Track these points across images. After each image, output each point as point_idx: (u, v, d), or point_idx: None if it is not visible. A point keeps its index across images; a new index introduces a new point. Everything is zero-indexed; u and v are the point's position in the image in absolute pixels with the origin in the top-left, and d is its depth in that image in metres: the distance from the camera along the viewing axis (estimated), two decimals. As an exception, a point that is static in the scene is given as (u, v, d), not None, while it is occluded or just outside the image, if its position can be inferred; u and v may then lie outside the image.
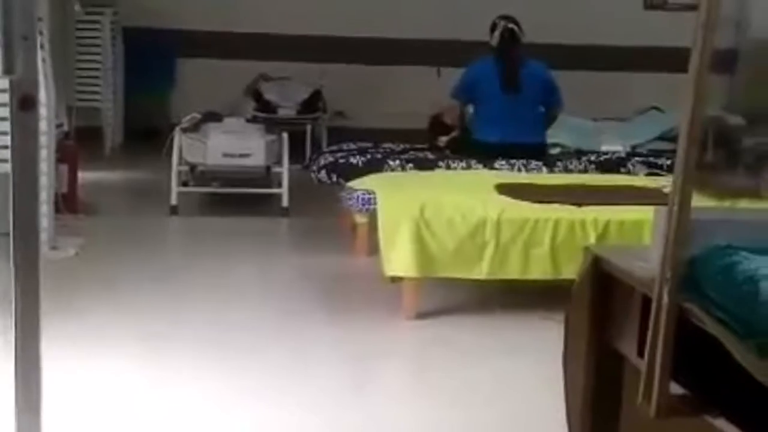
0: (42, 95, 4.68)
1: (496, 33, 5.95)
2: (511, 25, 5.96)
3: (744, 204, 3.51)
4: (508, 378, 3.71)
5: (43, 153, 4.89)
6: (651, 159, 6.17)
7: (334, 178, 5.69)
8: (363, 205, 5.06)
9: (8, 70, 2.17)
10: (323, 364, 3.75)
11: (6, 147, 2.28)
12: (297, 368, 3.69)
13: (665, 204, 1.83)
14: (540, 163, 5.86)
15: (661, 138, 6.71)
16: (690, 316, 1.77)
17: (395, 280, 4.35)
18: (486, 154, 5.79)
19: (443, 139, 6.29)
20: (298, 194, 6.43)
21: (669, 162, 5.88)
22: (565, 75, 6.77)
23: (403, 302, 4.35)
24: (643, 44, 9.30)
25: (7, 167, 2.28)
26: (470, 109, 6.14)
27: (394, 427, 3.27)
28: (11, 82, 2.20)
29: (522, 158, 5.81)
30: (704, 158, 2.02)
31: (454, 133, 6.25)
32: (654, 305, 1.79)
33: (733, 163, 5.33)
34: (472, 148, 5.91)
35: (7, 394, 2.40)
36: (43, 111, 4.80)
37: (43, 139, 4.81)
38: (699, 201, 1.84)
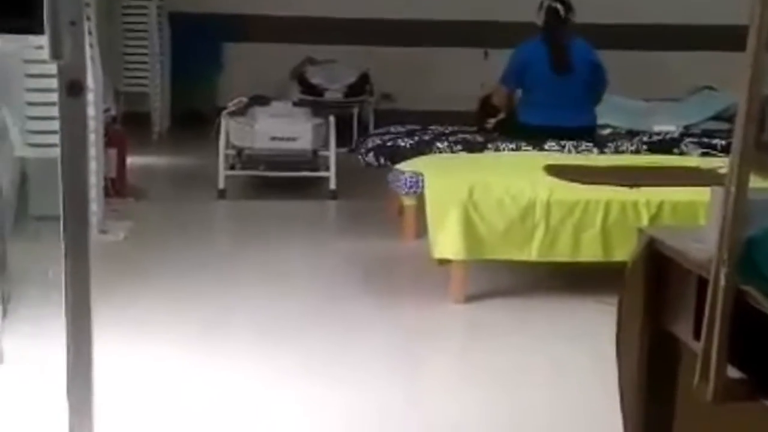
0: (89, 80, 4.71)
1: (542, 12, 5.85)
2: (555, 4, 5.84)
3: (801, 184, 3.43)
4: (559, 362, 3.68)
5: (92, 138, 4.93)
6: (704, 139, 6.07)
7: (382, 161, 5.67)
8: (410, 187, 5.03)
9: (56, 55, 2.17)
10: (372, 347, 3.75)
11: (55, 132, 2.29)
12: (346, 352, 3.69)
13: (720, 185, 1.79)
14: (591, 144, 5.79)
15: (715, 118, 6.60)
16: (748, 299, 1.73)
17: (443, 262, 4.33)
18: (534, 137, 5.72)
19: (491, 121, 6.23)
20: (345, 177, 6.42)
21: (723, 142, 5.78)
22: (617, 55, 6.70)
23: (452, 285, 4.33)
24: (696, 23, 9.16)
25: (57, 152, 2.29)
26: (519, 92, 6.06)
27: (442, 410, 3.25)
28: (59, 67, 2.21)
29: (573, 140, 5.74)
30: (761, 138, 1.97)
31: (501, 115, 6.18)
32: (711, 287, 1.75)
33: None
34: (520, 131, 5.84)
35: (59, 378, 2.42)
36: (90, 96, 4.84)
37: (91, 124, 4.85)
38: (757, 182, 1.80)
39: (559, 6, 5.82)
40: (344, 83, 8.63)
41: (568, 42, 5.84)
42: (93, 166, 4.97)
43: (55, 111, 2.29)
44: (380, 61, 8.87)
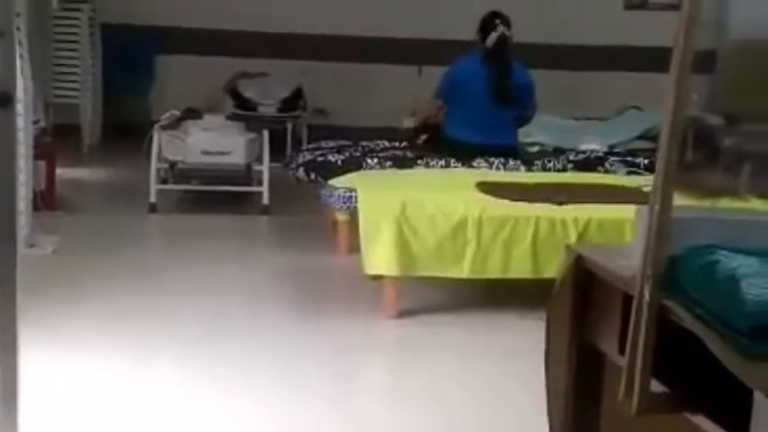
0: (19, 91, 4.64)
1: (494, 35, 5.80)
2: (506, 31, 5.82)
3: (724, 203, 3.52)
4: (490, 377, 3.71)
5: (20, 149, 4.86)
6: (629, 158, 6.18)
7: (313, 176, 5.67)
8: (344, 203, 5.05)
9: (-16, 66, 2.14)
10: (304, 362, 3.74)
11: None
12: (278, 367, 3.67)
13: (645, 203, 1.83)
14: (518, 162, 5.86)
15: (641, 137, 6.72)
16: (671, 315, 1.77)
17: (376, 278, 4.35)
18: (464, 154, 5.77)
19: (422, 137, 6.24)
20: (278, 192, 6.41)
21: (647, 161, 5.89)
22: (545, 74, 6.80)
23: (384, 301, 4.35)
24: (623, 44, 9.35)
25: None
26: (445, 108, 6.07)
27: (373, 425, 3.26)
28: (-13, 78, 2.17)
29: (496, 157, 5.79)
30: (684, 158, 2.02)
31: (423, 136, 6.18)
32: (635, 303, 1.79)
33: (713, 163, 5.35)
34: (450, 147, 5.87)
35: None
36: (19, 107, 4.76)
37: (19, 136, 4.77)
38: (679, 200, 1.84)
39: (507, 32, 5.84)
40: (278, 98, 8.61)
41: (510, 70, 5.85)
42: (21, 178, 4.89)
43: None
44: (314, 76, 8.88)
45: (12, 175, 2.29)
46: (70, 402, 3.23)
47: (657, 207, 1.77)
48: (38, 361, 3.32)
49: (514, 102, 5.88)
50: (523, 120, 6.08)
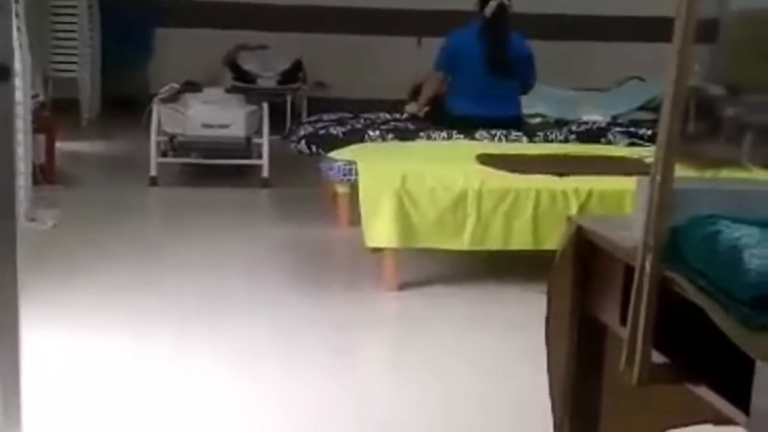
0: (17, 65, 4.62)
1: (493, 4, 5.74)
2: (508, 2, 5.78)
3: (726, 174, 3.51)
4: (491, 349, 3.72)
5: (20, 123, 4.84)
6: (631, 129, 6.17)
7: (314, 149, 5.66)
8: (344, 175, 5.04)
9: (-19, 39, 2.13)
10: (305, 335, 3.75)
11: (-19, 117, 2.25)
12: (278, 340, 3.68)
13: (646, 174, 1.82)
14: (520, 134, 5.84)
15: (643, 108, 6.71)
16: (672, 285, 1.77)
17: (377, 250, 4.35)
18: (466, 126, 5.75)
19: (423, 110, 6.21)
20: (278, 165, 6.40)
21: (650, 132, 5.88)
22: (546, 45, 6.77)
23: (385, 273, 4.35)
24: (624, 14, 9.30)
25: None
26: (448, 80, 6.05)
27: (374, 398, 3.27)
28: (-15, 51, 2.16)
29: (501, 129, 5.79)
30: (686, 128, 2.01)
31: (426, 108, 6.16)
32: (636, 274, 1.79)
33: (715, 133, 5.33)
34: (451, 120, 5.86)
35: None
36: (18, 81, 4.74)
37: (19, 110, 4.76)
38: (681, 171, 1.83)
39: (506, 2, 5.79)
40: (277, 70, 8.59)
41: (507, 40, 5.83)
42: (21, 152, 4.88)
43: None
44: (314, 48, 8.85)
45: (11, 149, 2.28)
46: (72, 376, 3.24)
47: (658, 178, 1.76)
48: (39, 336, 3.33)
49: (511, 72, 5.85)
50: (523, 90, 6.05)
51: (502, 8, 5.79)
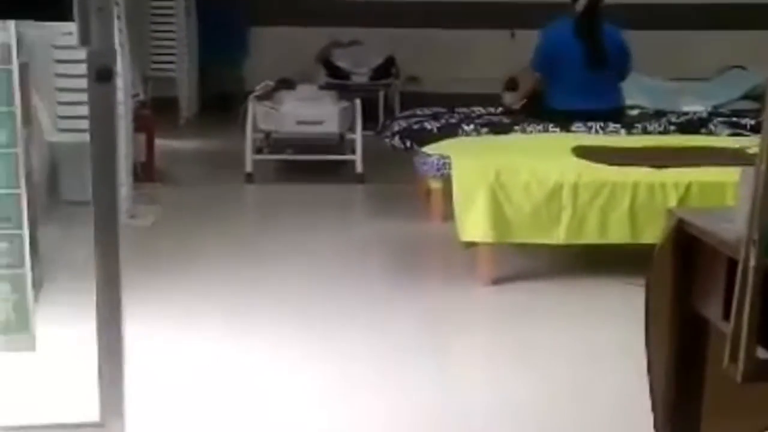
0: (119, 66, 4.73)
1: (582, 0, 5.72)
2: None
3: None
4: (588, 343, 3.67)
5: (121, 123, 4.96)
6: (733, 119, 6.00)
7: (408, 144, 5.66)
8: (438, 170, 5.03)
9: (85, 42, 2.19)
10: (400, 330, 3.75)
11: (86, 117, 2.31)
12: (374, 335, 3.70)
13: (750, 164, 1.78)
14: (618, 125, 5.74)
15: (744, 97, 6.53)
16: (778, 280, 1.72)
17: (471, 245, 4.33)
18: (564, 120, 5.68)
19: (510, 98, 6.13)
20: (372, 160, 6.43)
21: (752, 122, 5.73)
22: (644, 35, 6.64)
23: (479, 268, 4.33)
24: (725, 1, 9.05)
25: (87, 137, 2.31)
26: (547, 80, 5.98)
27: (473, 392, 3.26)
28: (88, 54, 2.22)
29: (600, 121, 5.69)
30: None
31: (522, 101, 6.10)
32: (740, 267, 1.74)
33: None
34: (548, 114, 5.79)
35: (92, 364, 2.45)
36: (119, 81, 4.86)
37: (120, 109, 4.88)
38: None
39: None
40: (370, 66, 8.62)
41: (602, 34, 5.74)
42: (122, 150, 5.00)
43: (85, 96, 2.31)
44: (406, 43, 8.85)
45: (113, 147, 2.34)
46: (170, 371, 3.30)
47: (764, 167, 1.71)
48: (140, 331, 3.41)
49: (609, 66, 5.76)
50: (619, 79, 5.96)
51: (593, 2, 5.70)
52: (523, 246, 4.39)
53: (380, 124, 7.01)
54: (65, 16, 2.20)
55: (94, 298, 2.38)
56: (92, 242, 2.30)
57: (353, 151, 6.49)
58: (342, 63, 8.63)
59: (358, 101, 6.63)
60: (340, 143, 6.67)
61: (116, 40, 3.35)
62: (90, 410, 2.45)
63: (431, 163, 5.07)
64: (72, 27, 2.17)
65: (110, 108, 2.29)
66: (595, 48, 5.72)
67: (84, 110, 2.32)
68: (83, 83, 2.29)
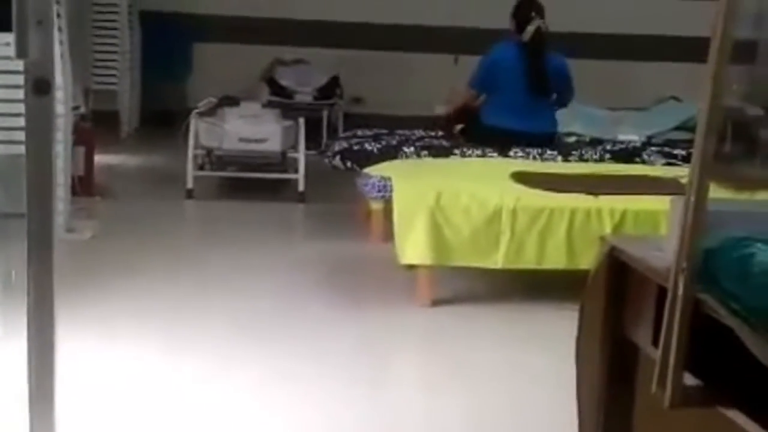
0: (58, 78, 4.68)
1: (530, 29, 5.79)
2: (542, 23, 5.82)
3: (762, 196, 3.48)
4: (522, 366, 3.70)
5: (60, 135, 4.91)
6: (667, 149, 6.13)
7: (349, 164, 5.68)
8: (378, 191, 5.05)
9: (22, 54, 2.16)
10: (337, 350, 3.75)
11: (22, 128, 2.28)
12: (310, 355, 3.69)
13: (681, 194, 1.81)
14: (555, 152, 5.83)
15: (679, 128, 6.66)
16: (705, 308, 1.76)
17: (410, 267, 4.35)
18: (500, 141, 5.75)
19: (458, 127, 6.22)
20: (314, 180, 6.43)
21: (685, 152, 5.84)
22: (582, 64, 6.74)
23: (418, 289, 4.35)
24: (661, 33, 9.25)
25: (22, 149, 2.28)
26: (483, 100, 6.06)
27: (405, 413, 3.27)
28: (25, 66, 2.20)
29: (536, 146, 5.78)
30: (722, 149, 2.00)
31: (459, 126, 6.17)
32: (669, 296, 1.78)
33: (751, 154, 5.28)
34: (485, 134, 5.86)
35: (20, 379, 2.40)
36: (59, 93, 4.81)
37: (59, 122, 4.83)
38: (716, 192, 1.82)
39: (543, 25, 5.83)
40: (314, 86, 8.63)
41: (546, 62, 5.85)
42: (60, 164, 4.94)
43: (22, 108, 2.28)
44: (351, 64, 8.88)
45: (50, 161, 2.31)
46: (104, 386, 3.26)
47: (693, 198, 1.75)
48: (73, 347, 3.36)
49: (550, 92, 5.89)
50: (562, 104, 6.07)
51: (539, 32, 5.81)
52: (462, 269, 4.42)
53: (323, 143, 7.02)
54: (3, 26, 2.18)
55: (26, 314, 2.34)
56: (26, 256, 2.27)
57: (296, 170, 6.49)
58: (286, 81, 8.64)
59: (301, 120, 6.63)
60: (283, 162, 6.66)
61: (57, 52, 3.32)
62: (20, 430, 2.41)
63: (372, 184, 5.09)
64: (10, 38, 2.15)
65: (47, 121, 2.26)
66: (537, 74, 5.82)
67: (21, 122, 2.30)
68: (20, 94, 2.27)
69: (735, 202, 2.13)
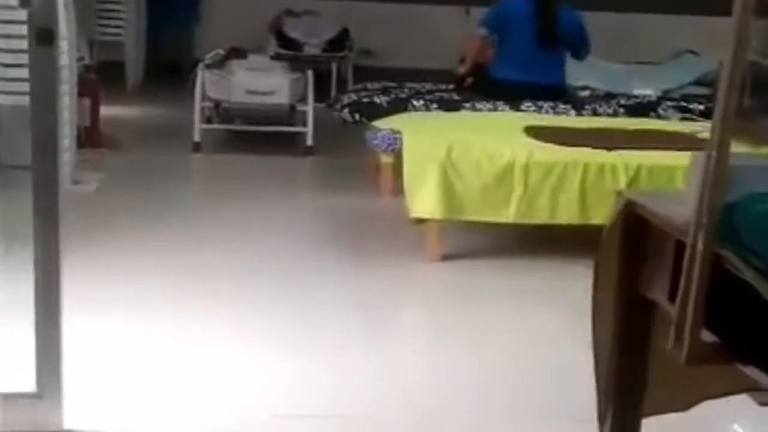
0: (62, 28, 4.62)
1: None
2: None
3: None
4: (531, 322, 3.68)
5: (65, 87, 4.85)
6: (683, 104, 6.06)
7: (357, 117, 5.63)
8: (388, 145, 5.00)
9: (25, 2, 2.12)
10: (345, 304, 3.73)
11: (26, 80, 2.24)
12: (317, 309, 3.67)
13: (698, 149, 1.78)
14: (568, 106, 5.77)
15: (695, 83, 6.58)
16: (725, 264, 1.72)
17: (420, 221, 4.31)
18: (509, 94, 5.70)
19: (468, 80, 6.15)
20: (323, 133, 6.38)
21: (702, 107, 5.78)
22: (597, 16, 6.65)
23: (427, 244, 4.32)
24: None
25: (26, 100, 2.24)
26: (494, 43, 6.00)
27: (409, 371, 3.24)
28: (29, 14, 2.16)
29: (544, 99, 5.72)
30: (741, 104, 1.95)
31: (470, 79, 6.11)
32: (688, 252, 1.74)
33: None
34: (495, 86, 5.81)
35: (29, 329, 2.39)
36: (63, 44, 4.75)
37: (64, 73, 4.77)
38: (735, 147, 1.78)
39: None
40: (323, 38, 8.53)
41: (556, 12, 5.79)
42: (66, 115, 4.90)
43: (26, 58, 2.24)
44: (361, 16, 8.78)
45: (54, 112, 2.28)
46: (112, 341, 3.25)
47: (714, 153, 1.70)
48: (80, 296, 3.34)
49: (558, 42, 5.81)
50: (578, 57, 6.01)
51: None
52: (472, 224, 4.38)
53: (332, 96, 6.96)
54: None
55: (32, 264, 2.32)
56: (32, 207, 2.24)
57: (304, 123, 6.43)
58: (295, 34, 8.54)
59: (310, 73, 6.56)
60: (291, 115, 6.60)
61: (60, 1, 3.26)
62: (27, 380, 2.40)
63: (382, 137, 5.04)
64: (13, -14, 2.11)
65: (51, 71, 2.22)
66: (547, 25, 5.76)
67: (25, 72, 2.26)
68: (24, 44, 2.23)
69: (755, 157, 2.08)
